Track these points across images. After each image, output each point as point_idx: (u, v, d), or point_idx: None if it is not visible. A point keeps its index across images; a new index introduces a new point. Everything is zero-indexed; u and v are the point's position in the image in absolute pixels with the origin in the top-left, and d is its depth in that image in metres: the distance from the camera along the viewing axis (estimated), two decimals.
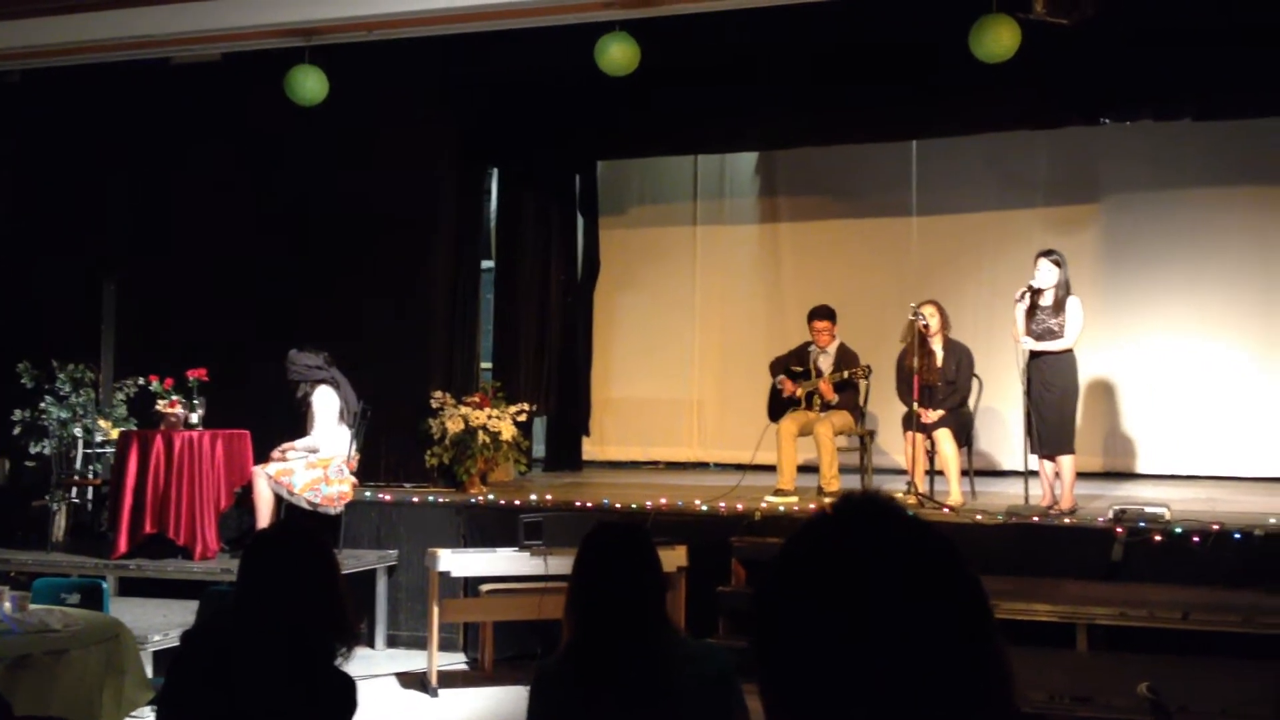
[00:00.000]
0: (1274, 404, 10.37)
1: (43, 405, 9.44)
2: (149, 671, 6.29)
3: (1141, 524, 7.43)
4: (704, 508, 8.37)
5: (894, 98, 9.73)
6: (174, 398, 8.73)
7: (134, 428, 9.29)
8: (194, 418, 8.69)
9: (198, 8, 7.95)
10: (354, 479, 8.77)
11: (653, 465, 12.11)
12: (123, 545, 8.40)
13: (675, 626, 3.18)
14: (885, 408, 9.90)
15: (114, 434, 9.22)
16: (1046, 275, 8.08)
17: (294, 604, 3.01)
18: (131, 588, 8.48)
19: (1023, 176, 11.13)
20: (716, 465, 11.79)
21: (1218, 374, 10.49)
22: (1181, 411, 10.53)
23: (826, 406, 8.97)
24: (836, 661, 1.14)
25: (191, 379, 8.76)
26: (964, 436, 8.87)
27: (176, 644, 3.40)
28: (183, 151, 10.37)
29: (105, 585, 6.34)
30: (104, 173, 10.52)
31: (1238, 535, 7.28)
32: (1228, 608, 6.73)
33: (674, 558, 7.46)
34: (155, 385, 8.92)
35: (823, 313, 9.23)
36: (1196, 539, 7.29)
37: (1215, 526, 7.35)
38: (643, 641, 2.94)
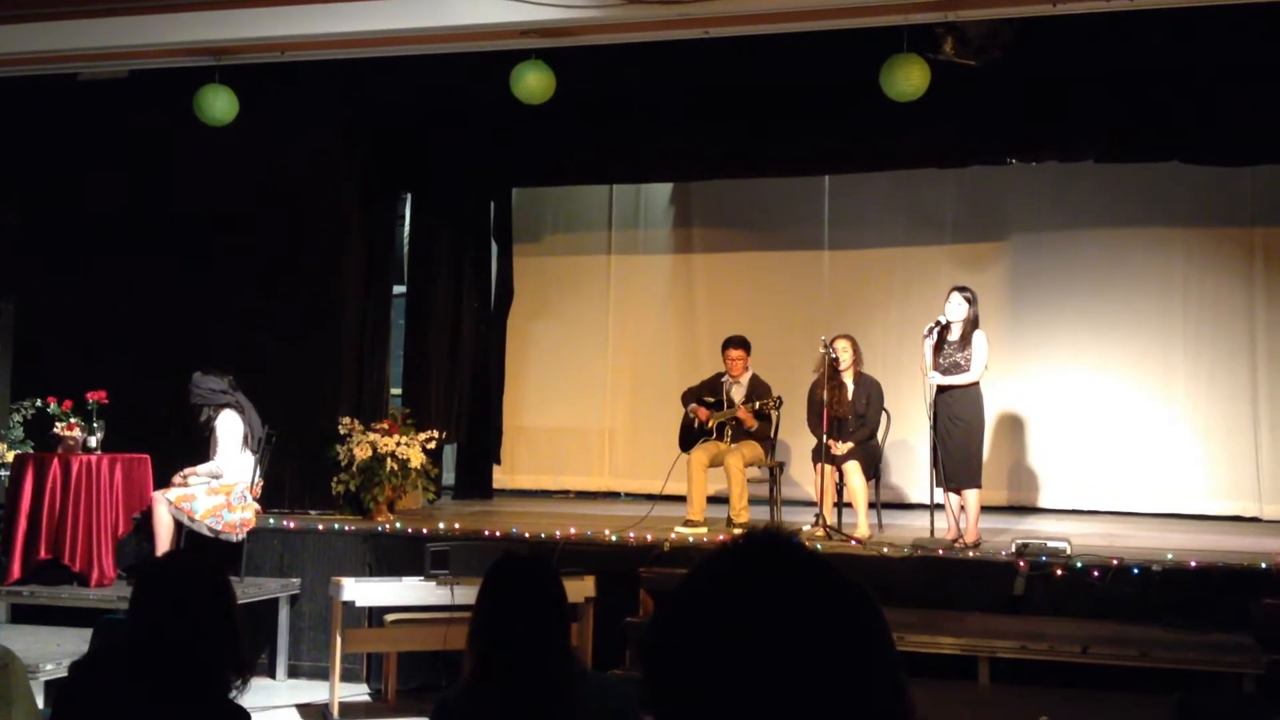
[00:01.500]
0: (1172, 441, 10.61)
1: None
2: (40, 702, 6.10)
3: (1043, 558, 7.54)
4: (613, 538, 8.34)
5: (806, 133, 9.85)
6: (72, 420, 8.52)
7: (31, 450, 9.04)
8: (93, 441, 8.48)
9: (107, 24, 7.81)
10: (257, 505, 8.61)
11: (563, 494, 12.06)
12: (16, 571, 8.17)
13: (577, 659, 3.17)
14: (796, 439, 9.97)
15: (9, 456, 8.97)
16: (957, 309, 8.22)
17: (187, 634, 2.94)
18: (25, 615, 8.25)
19: (932, 213, 11.31)
20: (627, 495, 11.77)
21: (1118, 410, 10.71)
22: (1084, 447, 10.73)
23: (738, 437, 9.01)
24: (736, 697, 1.13)
25: (91, 401, 8.56)
26: (872, 469, 8.96)
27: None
28: (84, 170, 10.15)
29: None
30: (3, 189, 10.26)
31: (1136, 570, 7.42)
32: (1126, 641, 6.85)
33: (582, 588, 7.42)
34: (53, 407, 8.70)
35: (737, 342, 9.28)
36: (1096, 574, 7.42)
37: (1115, 561, 7.48)
38: (543, 674, 2.92)
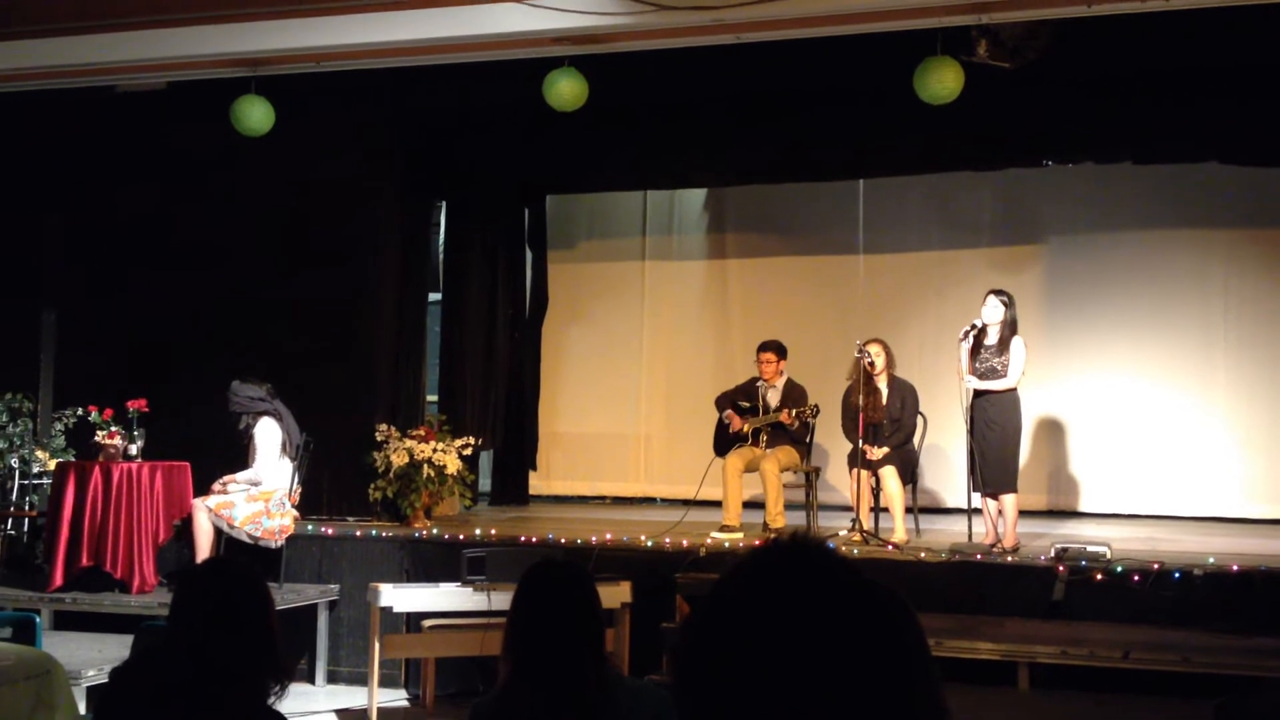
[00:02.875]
0: (1212, 444, 10.51)
1: None
2: (81, 708, 6.17)
3: (1083, 563, 7.49)
4: (649, 543, 8.34)
5: (840, 138, 9.84)
6: (113, 428, 8.60)
7: (72, 459, 9.14)
8: (133, 449, 8.56)
9: (144, 36, 7.88)
10: (296, 512, 8.67)
11: (599, 500, 12.08)
12: (58, 578, 8.25)
13: (613, 665, 3.16)
14: (831, 444, 9.95)
15: (52, 465, 9.07)
16: (993, 312, 8.18)
17: (226, 640, 2.96)
18: (67, 621, 8.33)
19: (968, 217, 11.25)
20: (662, 500, 11.77)
21: (1158, 413, 10.62)
22: (1123, 450, 10.65)
23: (773, 442, 8.99)
24: (769, 702, 1.14)
25: (131, 409, 8.64)
26: (909, 474, 8.92)
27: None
28: (123, 180, 10.25)
29: (39, 619, 6.22)
30: (43, 200, 10.38)
31: (1177, 575, 7.35)
32: (1167, 647, 6.79)
33: (618, 594, 7.43)
34: (94, 416, 8.79)
35: (770, 346, 9.26)
36: (1137, 578, 7.36)
37: (1155, 566, 7.41)
38: (578, 680, 2.92)
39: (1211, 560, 7.54)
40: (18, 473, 9.40)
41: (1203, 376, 10.62)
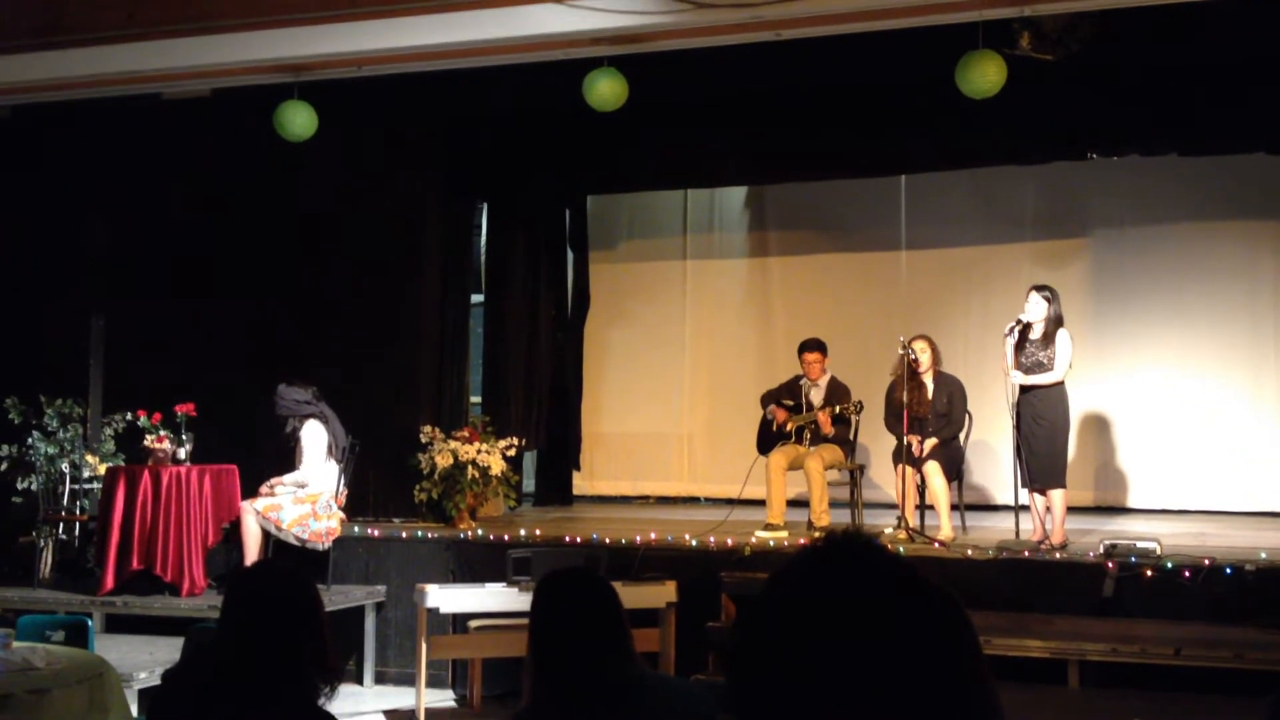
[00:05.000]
0: (1263, 438, 10.37)
1: (30, 441, 9.39)
2: (134, 710, 6.23)
3: (1133, 559, 7.41)
4: (694, 543, 8.34)
5: (881, 133, 9.77)
6: (162, 433, 8.69)
7: (122, 463, 9.23)
8: (182, 453, 8.64)
9: (189, 43, 7.95)
10: (342, 514, 8.73)
11: (643, 499, 12.08)
12: (109, 582, 8.35)
13: (643, 663, 3.15)
14: (876, 442, 9.90)
15: (101, 469, 9.17)
16: (1035, 309, 8.12)
17: (276, 642, 2.98)
18: (118, 624, 8.42)
19: (1011, 211, 11.17)
20: (706, 499, 11.76)
21: (1207, 408, 10.49)
22: (1171, 445, 10.53)
23: (817, 440, 8.96)
24: (822, 702, 1.13)
25: (179, 414, 8.73)
26: (954, 471, 8.86)
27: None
28: (169, 186, 10.37)
29: (90, 622, 6.29)
30: (91, 207, 10.50)
31: (1229, 570, 7.26)
32: (1219, 644, 6.71)
33: (663, 593, 7.43)
34: (143, 420, 8.89)
35: (813, 345, 9.23)
36: (1188, 574, 7.27)
37: (1206, 562, 7.33)
38: (604, 681, 2.92)
39: (1264, 555, 7.44)
40: (68, 477, 9.51)
41: (1253, 369, 10.49)
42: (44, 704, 4.89)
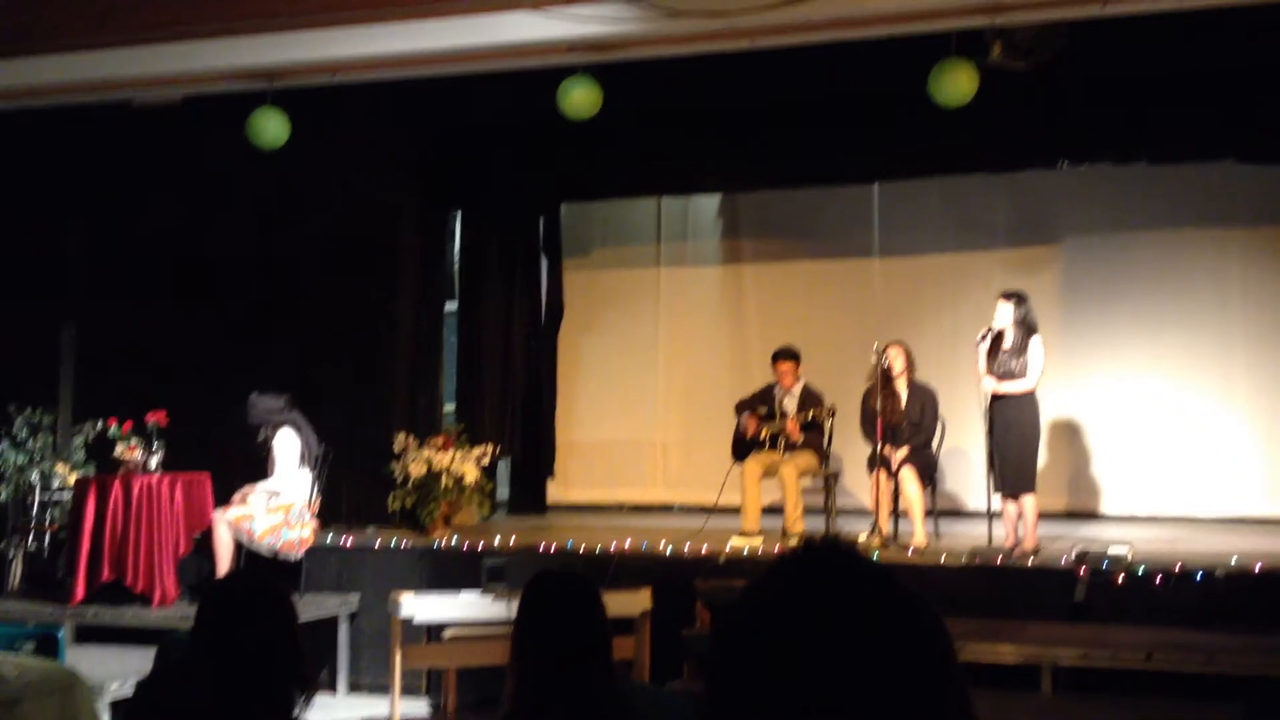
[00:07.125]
0: (1233, 444, 10.45)
1: None
2: None
3: (1104, 565, 7.45)
4: (668, 550, 8.33)
5: (853, 141, 9.81)
6: (133, 442, 8.63)
7: (92, 472, 9.17)
8: (153, 462, 8.59)
9: (162, 50, 7.92)
10: (316, 523, 8.69)
11: (617, 507, 12.05)
12: (80, 592, 8.28)
13: (621, 672, 3.15)
14: (850, 449, 9.92)
15: (72, 479, 9.10)
16: (1003, 316, 8.17)
17: (249, 653, 2.97)
18: (89, 635, 8.34)
19: (983, 219, 11.22)
20: (681, 507, 11.74)
21: (1177, 413, 10.57)
22: (1142, 451, 10.60)
23: (791, 447, 8.97)
24: (798, 710, 1.13)
25: (150, 422, 8.67)
26: (928, 477, 8.89)
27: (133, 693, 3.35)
28: (141, 194, 10.31)
29: (61, 634, 6.23)
30: (62, 214, 10.43)
31: (1200, 575, 7.31)
32: (1191, 648, 6.75)
33: (638, 601, 7.42)
34: (114, 429, 8.82)
35: (786, 354, 9.25)
36: (1159, 579, 7.32)
37: (1178, 567, 7.38)
38: (586, 688, 2.91)
39: (1234, 560, 7.49)
40: (38, 487, 9.43)
41: (1222, 375, 10.57)
42: (14, 716, 4.84)
